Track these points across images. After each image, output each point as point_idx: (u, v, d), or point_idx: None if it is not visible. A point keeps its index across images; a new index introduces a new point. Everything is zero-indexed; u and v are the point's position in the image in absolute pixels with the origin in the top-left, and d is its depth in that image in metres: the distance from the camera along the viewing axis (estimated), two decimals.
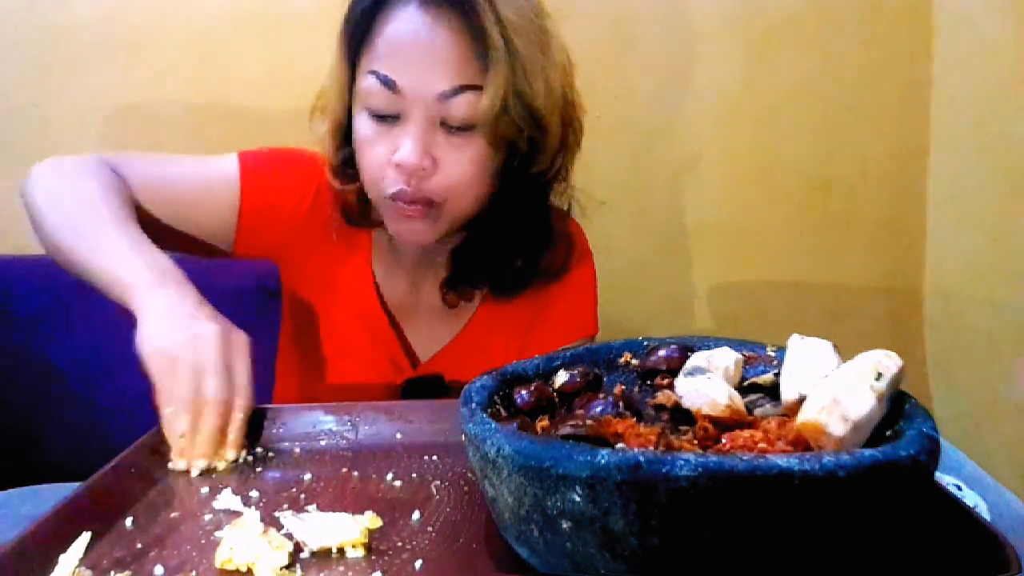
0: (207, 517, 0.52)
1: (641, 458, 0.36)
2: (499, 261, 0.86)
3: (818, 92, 1.33)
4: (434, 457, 0.61)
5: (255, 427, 0.65)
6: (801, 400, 0.44)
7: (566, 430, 0.44)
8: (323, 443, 0.65)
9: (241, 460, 0.61)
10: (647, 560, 0.38)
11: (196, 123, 1.26)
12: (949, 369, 1.34)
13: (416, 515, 0.51)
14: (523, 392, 0.52)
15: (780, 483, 0.35)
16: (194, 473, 0.59)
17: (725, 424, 0.45)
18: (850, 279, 1.39)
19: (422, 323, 0.90)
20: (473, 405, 0.47)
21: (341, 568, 0.45)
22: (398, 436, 0.65)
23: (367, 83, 0.75)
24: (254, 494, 0.56)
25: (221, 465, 0.60)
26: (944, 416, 1.32)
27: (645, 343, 0.57)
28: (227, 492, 0.54)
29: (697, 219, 1.37)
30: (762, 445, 0.41)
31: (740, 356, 0.52)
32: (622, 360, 0.57)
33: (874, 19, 1.31)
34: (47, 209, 0.76)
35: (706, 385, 0.47)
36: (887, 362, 0.43)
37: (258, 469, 0.61)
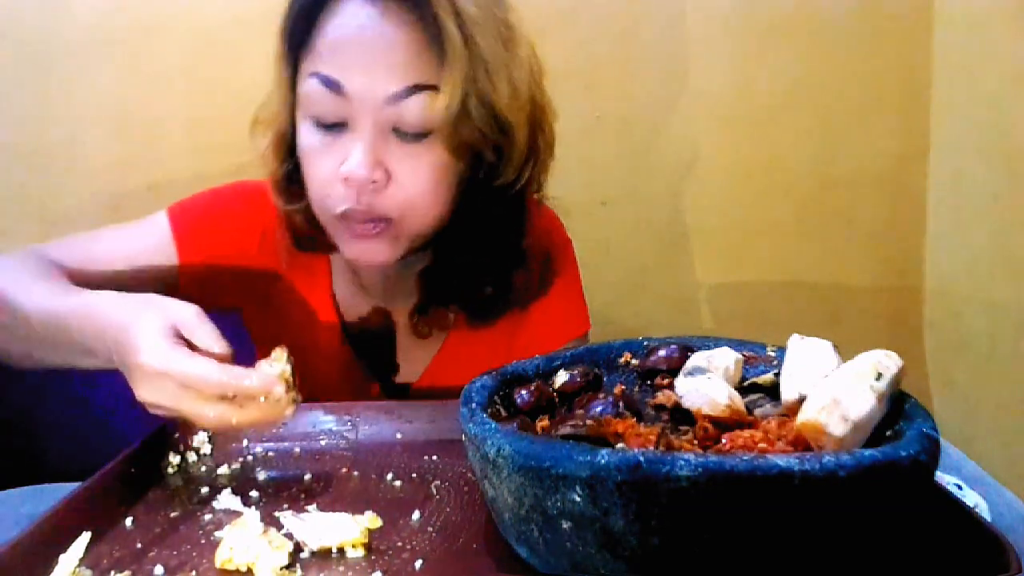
0: (207, 517, 0.52)
1: (641, 458, 0.36)
2: (469, 285, 0.79)
3: (818, 92, 1.33)
4: (434, 457, 0.61)
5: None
6: (801, 400, 0.44)
7: (566, 430, 0.44)
8: (323, 443, 0.65)
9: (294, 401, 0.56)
10: (647, 560, 0.38)
11: (196, 123, 1.26)
12: (949, 369, 1.34)
13: (416, 515, 0.51)
14: (523, 392, 0.52)
15: (780, 483, 0.35)
16: (289, 413, 0.55)
17: (725, 424, 0.45)
18: (850, 279, 1.39)
19: (396, 348, 0.83)
20: (473, 405, 0.47)
21: (341, 568, 0.45)
22: (398, 436, 0.65)
23: (309, 87, 0.67)
24: (254, 494, 0.56)
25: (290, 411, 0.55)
26: (944, 416, 1.32)
27: (645, 343, 0.57)
28: (227, 492, 0.54)
29: (697, 219, 1.37)
30: (762, 445, 0.41)
31: (740, 356, 0.52)
32: (622, 360, 0.57)
33: (874, 19, 1.31)
34: None
35: (706, 385, 0.47)
36: (887, 362, 0.43)
37: (258, 469, 0.61)
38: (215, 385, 0.53)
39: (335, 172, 0.67)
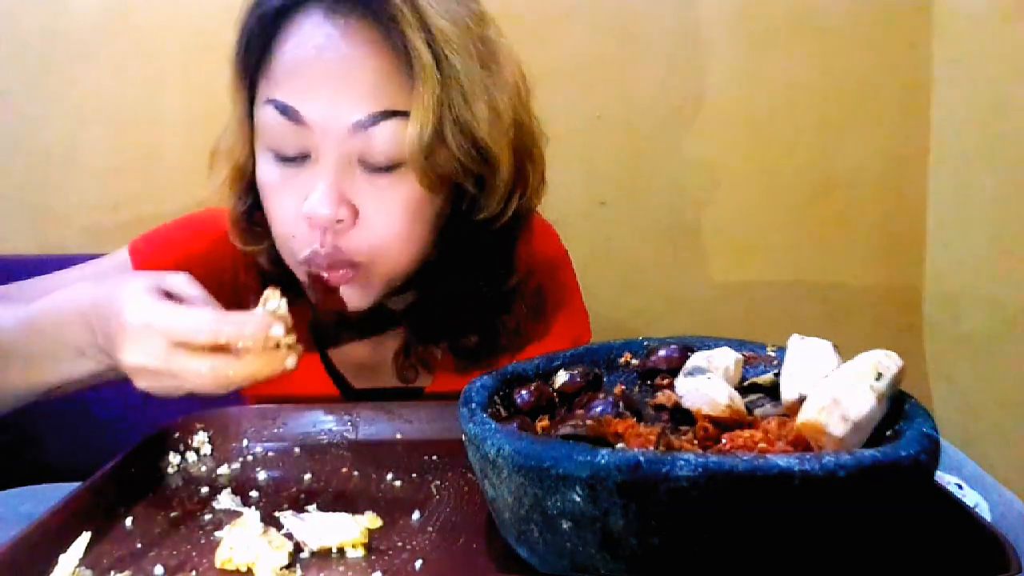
0: (207, 517, 0.52)
1: (641, 458, 0.36)
2: (452, 330, 0.72)
3: (818, 93, 1.33)
4: (434, 457, 0.61)
5: (256, 426, 0.65)
6: (801, 400, 0.44)
7: (566, 430, 0.44)
8: (323, 443, 0.65)
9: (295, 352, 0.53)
10: (647, 560, 0.38)
11: (196, 123, 1.26)
12: (949, 369, 1.34)
13: (416, 515, 0.51)
14: (523, 392, 0.52)
15: (780, 483, 0.35)
16: (291, 363, 0.52)
17: (725, 424, 0.45)
18: (850, 279, 1.39)
19: (388, 383, 0.77)
20: (473, 405, 0.47)
21: (341, 568, 0.45)
22: (398, 436, 0.65)
23: (266, 115, 0.60)
24: (254, 494, 0.56)
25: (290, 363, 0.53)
26: (944, 416, 1.32)
27: (645, 343, 0.57)
28: (227, 492, 0.54)
29: (697, 219, 1.37)
30: (762, 445, 0.41)
31: (740, 356, 0.52)
32: (622, 360, 0.57)
33: (874, 20, 1.31)
34: None
35: (706, 385, 0.47)
36: (887, 362, 0.43)
37: (258, 469, 0.61)
38: (206, 332, 0.49)
39: (299, 210, 0.61)
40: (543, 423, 0.49)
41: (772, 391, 0.50)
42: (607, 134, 1.31)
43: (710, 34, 1.31)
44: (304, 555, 0.47)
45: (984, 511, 0.77)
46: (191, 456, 0.62)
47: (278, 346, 0.51)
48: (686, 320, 1.39)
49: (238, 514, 0.50)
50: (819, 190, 1.36)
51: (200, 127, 1.27)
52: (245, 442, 0.64)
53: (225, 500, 0.54)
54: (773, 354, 0.54)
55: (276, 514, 0.50)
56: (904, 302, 1.40)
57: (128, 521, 0.51)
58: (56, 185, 1.27)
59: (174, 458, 0.62)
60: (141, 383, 0.53)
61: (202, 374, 0.50)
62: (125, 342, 0.51)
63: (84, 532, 0.45)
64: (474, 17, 0.62)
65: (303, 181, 0.61)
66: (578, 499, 0.37)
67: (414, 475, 0.58)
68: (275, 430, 0.65)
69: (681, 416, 0.47)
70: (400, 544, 0.48)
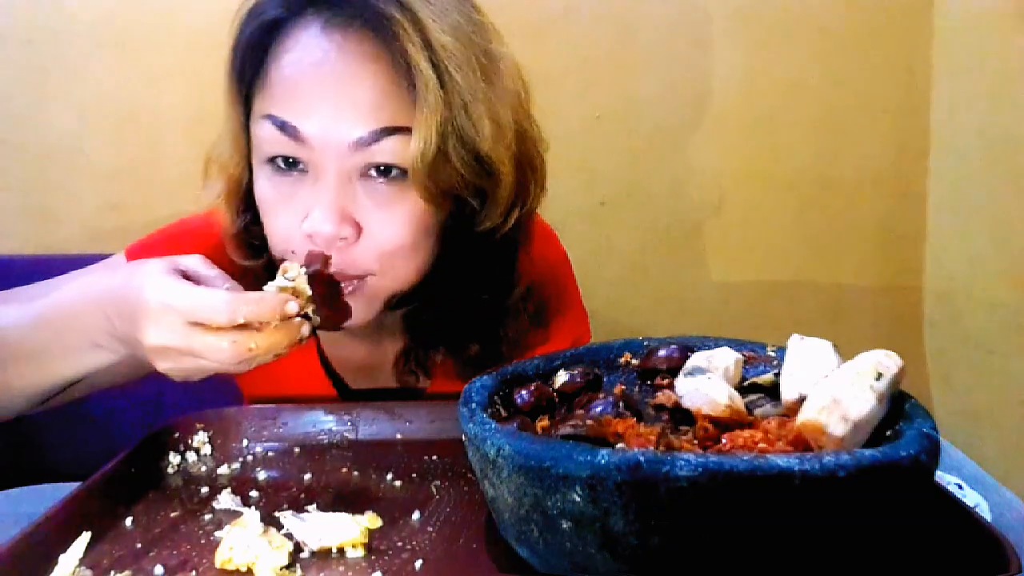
0: (207, 517, 0.52)
1: (641, 458, 0.36)
2: (454, 338, 0.72)
3: (818, 92, 1.33)
4: (434, 457, 0.61)
5: (256, 426, 0.65)
6: (801, 400, 0.44)
7: (566, 430, 0.44)
8: (323, 443, 0.65)
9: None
10: (647, 560, 0.38)
11: (196, 124, 1.26)
12: (949, 369, 1.34)
13: (416, 515, 0.51)
14: (523, 392, 0.52)
15: (780, 483, 0.35)
16: (306, 331, 0.54)
17: (725, 424, 0.45)
18: (850, 279, 1.39)
19: (387, 384, 0.77)
20: (473, 405, 0.47)
21: (341, 568, 0.45)
22: (398, 436, 0.65)
23: (263, 131, 0.60)
24: (254, 494, 0.56)
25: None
26: (944, 416, 1.32)
27: (645, 343, 0.57)
28: (227, 492, 0.54)
29: (697, 219, 1.37)
30: (762, 445, 0.41)
31: (740, 356, 0.52)
32: (622, 360, 0.57)
33: (875, 20, 1.31)
34: None
35: (706, 385, 0.47)
36: (887, 362, 0.43)
37: (258, 469, 0.61)
38: (224, 312, 0.50)
39: (297, 225, 0.60)
40: (543, 423, 0.49)
41: (772, 391, 0.50)
42: (607, 134, 1.31)
43: (710, 34, 1.31)
44: (304, 555, 0.47)
45: (984, 511, 0.77)
46: (191, 456, 0.62)
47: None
48: (686, 320, 1.39)
49: (238, 514, 0.50)
50: (819, 190, 1.36)
51: (200, 127, 1.27)
52: (245, 442, 0.64)
53: (225, 500, 0.54)
54: (773, 354, 0.54)
55: (276, 514, 0.50)
56: (904, 302, 1.40)
57: (128, 521, 0.51)
58: (56, 185, 1.27)
59: (174, 458, 0.62)
60: (162, 365, 0.53)
61: (223, 349, 0.51)
62: (146, 323, 0.51)
63: (84, 532, 0.45)
64: (477, 29, 0.61)
65: (303, 197, 0.60)
66: (578, 499, 0.37)
67: (414, 475, 0.58)
68: (275, 430, 0.65)
69: (681, 416, 0.47)
70: (400, 544, 0.48)
